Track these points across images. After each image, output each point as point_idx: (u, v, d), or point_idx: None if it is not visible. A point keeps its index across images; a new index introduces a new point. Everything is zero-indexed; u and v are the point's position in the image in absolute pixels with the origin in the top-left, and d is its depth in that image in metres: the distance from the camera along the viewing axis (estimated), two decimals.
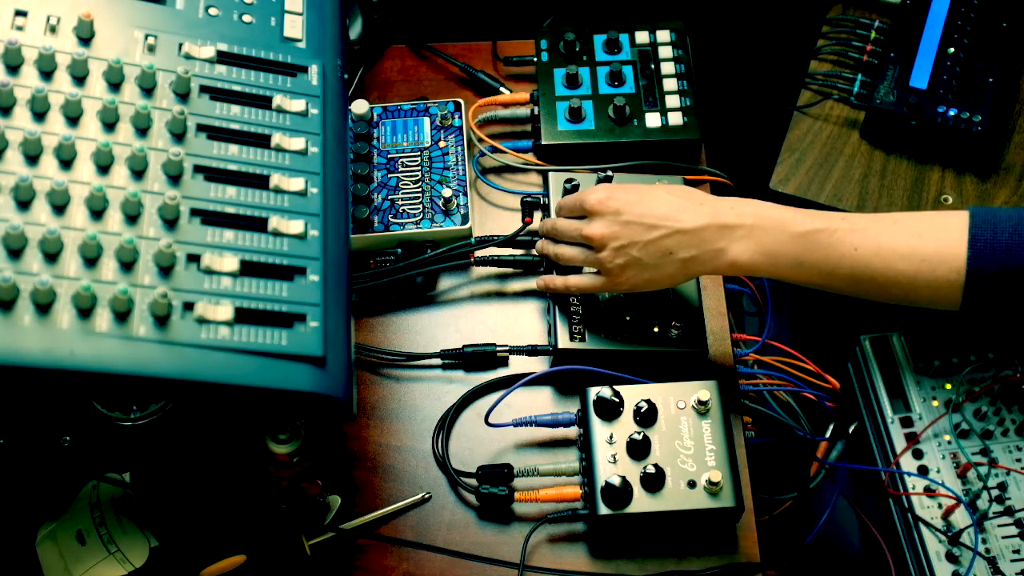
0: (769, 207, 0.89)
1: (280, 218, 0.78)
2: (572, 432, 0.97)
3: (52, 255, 0.70)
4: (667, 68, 1.12)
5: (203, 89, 0.81)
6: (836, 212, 0.88)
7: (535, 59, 1.14)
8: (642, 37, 1.14)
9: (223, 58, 0.83)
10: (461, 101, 1.13)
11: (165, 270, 0.73)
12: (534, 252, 1.03)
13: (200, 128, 0.79)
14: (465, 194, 1.06)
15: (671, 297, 0.99)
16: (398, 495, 0.96)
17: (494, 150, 1.11)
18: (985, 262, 0.80)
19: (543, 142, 1.09)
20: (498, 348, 1.01)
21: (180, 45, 0.82)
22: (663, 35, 1.14)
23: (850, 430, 1.21)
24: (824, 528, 1.09)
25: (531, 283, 1.06)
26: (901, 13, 1.26)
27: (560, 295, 0.99)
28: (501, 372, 1.01)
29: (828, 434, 1.14)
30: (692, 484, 0.88)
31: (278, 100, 0.83)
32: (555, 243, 0.97)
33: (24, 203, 0.71)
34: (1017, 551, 1.13)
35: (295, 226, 0.78)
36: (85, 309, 0.69)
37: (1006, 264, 0.80)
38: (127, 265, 0.72)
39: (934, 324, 1.26)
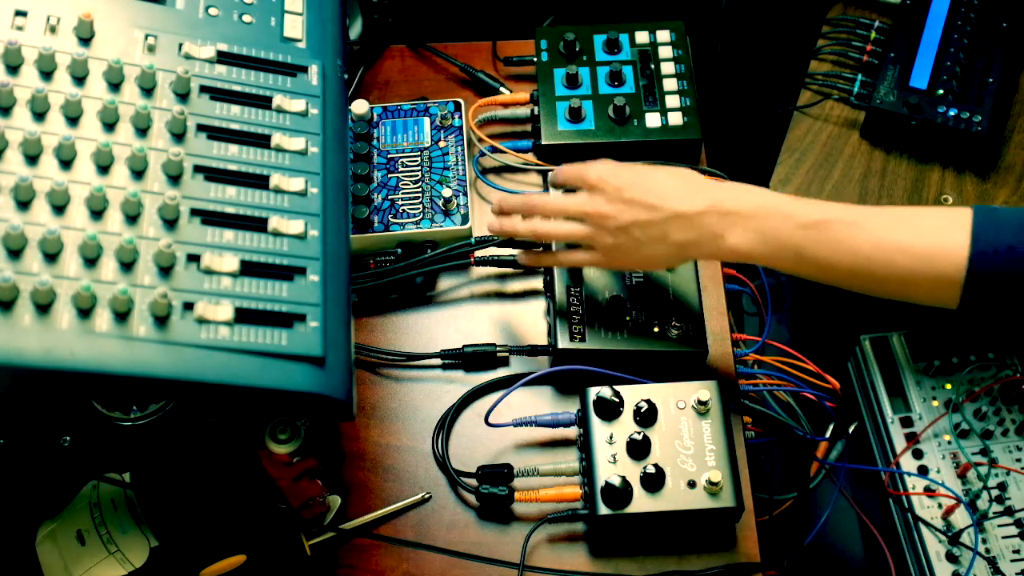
0: (771, 195, 0.88)
1: (280, 218, 0.78)
2: (572, 432, 0.97)
3: (52, 255, 0.70)
4: (667, 68, 1.12)
5: (203, 89, 0.81)
6: (838, 203, 0.87)
7: (535, 59, 1.14)
8: (642, 37, 1.14)
9: (223, 58, 0.83)
10: (461, 101, 1.13)
11: (165, 270, 0.73)
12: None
13: (200, 128, 0.79)
14: (465, 194, 1.06)
15: (671, 297, 0.99)
16: (398, 495, 0.96)
17: (494, 150, 1.11)
18: (987, 262, 0.80)
19: (543, 142, 1.09)
20: (498, 348, 1.01)
21: (180, 45, 0.82)
22: (663, 35, 1.14)
23: (850, 430, 1.21)
24: (824, 528, 1.09)
25: (531, 283, 1.06)
26: (901, 13, 1.26)
27: (558, 294, 0.99)
28: (501, 372, 1.01)
29: (828, 434, 1.14)
30: (692, 484, 0.88)
31: (278, 100, 0.83)
32: (543, 220, 0.95)
33: (24, 203, 0.71)
34: (1017, 551, 1.13)
35: (295, 226, 0.78)
36: (85, 309, 0.69)
37: (1007, 265, 0.79)
38: (127, 265, 0.72)
39: (934, 324, 1.26)
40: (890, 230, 0.84)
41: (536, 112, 1.11)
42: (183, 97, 0.80)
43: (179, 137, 0.78)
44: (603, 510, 0.88)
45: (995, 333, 1.23)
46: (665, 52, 1.13)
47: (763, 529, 0.94)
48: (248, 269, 0.76)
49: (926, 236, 0.82)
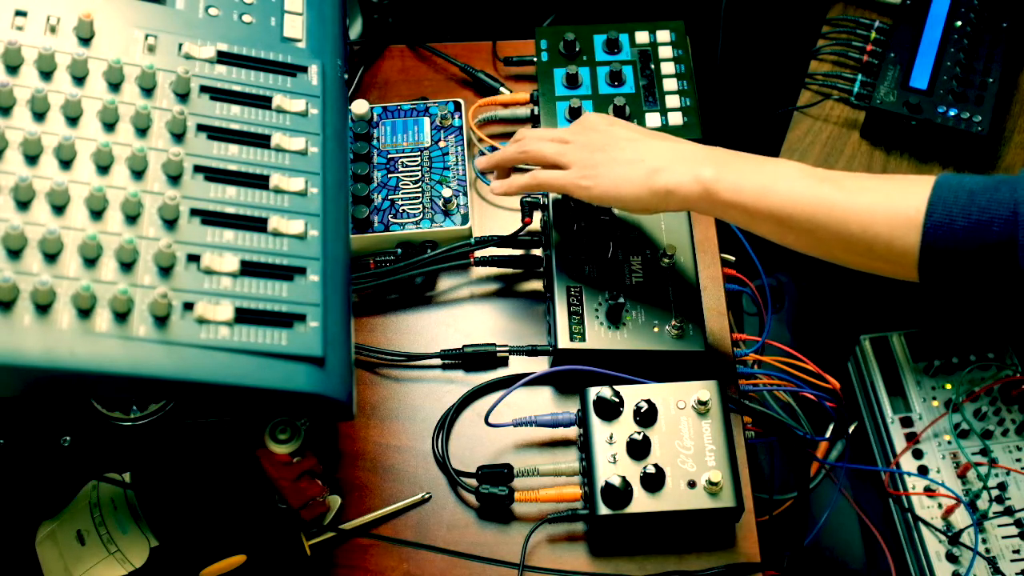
0: (732, 154, 0.89)
1: (280, 218, 0.78)
2: (572, 432, 0.97)
3: (52, 255, 0.70)
4: (667, 68, 1.12)
5: (203, 89, 0.81)
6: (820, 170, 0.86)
7: (535, 59, 1.14)
8: (642, 37, 1.14)
9: (223, 58, 0.83)
10: (461, 101, 1.13)
11: (165, 270, 0.73)
12: (534, 253, 1.02)
13: (200, 128, 0.79)
14: (465, 194, 1.06)
15: (671, 297, 0.99)
16: (398, 495, 0.96)
17: (494, 150, 1.11)
18: (941, 235, 0.77)
19: None
20: (498, 348, 1.01)
21: (180, 45, 0.82)
22: (663, 35, 1.14)
23: (850, 430, 1.21)
24: (824, 528, 1.09)
25: (531, 283, 1.06)
26: (901, 13, 1.26)
27: (558, 294, 0.98)
28: (501, 372, 1.01)
29: (828, 434, 1.14)
30: (692, 484, 0.88)
31: (278, 100, 0.83)
32: (531, 140, 0.97)
33: (24, 203, 0.71)
34: (1017, 551, 1.13)
35: (295, 226, 0.78)
36: (85, 309, 0.69)
37: (960, 242, 0.76)
38: (127, 265, 0.72)
39: (934, 324, 1.26)
40: (854, 192, 0.82)
41: (536, 112, 1.11)
42: (183, 97, 0.80)
43: (179, 137, 0.78)
44: (603, 510, 0.88)
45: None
46: (665, 52, 1.13)
47: (763, 529, 0.94)
48: (248, 269, 0.76)
49: (887, 202, 0.80)
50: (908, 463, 1.19)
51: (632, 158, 0.90)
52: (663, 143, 0.91)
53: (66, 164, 0.74)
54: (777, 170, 0.85)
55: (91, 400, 0.89)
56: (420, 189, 1.07)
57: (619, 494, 0.87)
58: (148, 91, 0.79)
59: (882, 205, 0.80)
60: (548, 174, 0.95)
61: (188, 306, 0.72)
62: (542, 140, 0.96)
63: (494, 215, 1.10)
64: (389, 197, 1.06)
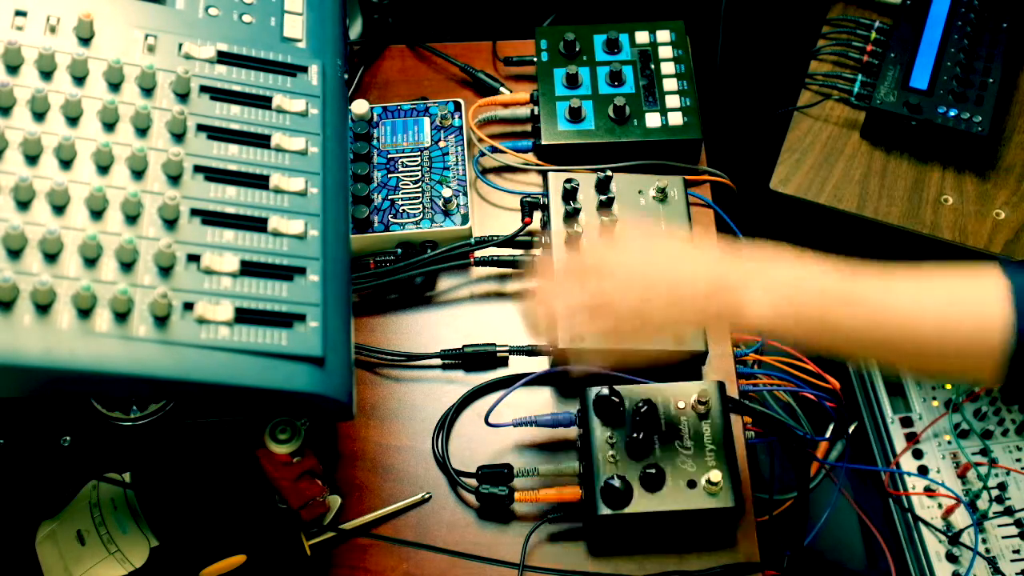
0: (787, 258, 0.79)
1: (280, 218, 0.78)
2: (572, 432, 0.97)
3: (52, 255, 0.70)
4: (667, 68, 1.12)
5: (203, 89, 0.81)
6: (862, 264, 0.78)
7: (535, 59, 1.14)
8: (642, 37, 1.14)
9: (223, 58, 0.83)
10: (461, 101, 1.13)
11: (165, 270, 0.73)
12: (534, 253, 1.03)
13: (200, 128, 0.79)
14: (465, 194, 1.06)
15: None
16: (398, 495, 0.96)
17: (494, 150, 1.11)
18: None
19: (543, 142, 1.09)
20: (498, 348, 1.01)
21: (180, 45, 0.82)
22: (663, 35, 1.14)
23: (850, 430, 1.21)
24: (824, 528, 1.09)
25: (531, 283, 1.06)
26: (901, 13, 1.26)
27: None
28: (501, 372, 1.01)
29: (828, 434, 1.14)
30: (692, 484, 0.88)
31: (278, 100, 0.83)
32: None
33: (24, 203, 0.71)
34: (1017, 551, 1.13)
35: (295, 226, 0.78)
36: (85, 309, 0.69)
37: None
38: (127, 265, 0.72)
39: None
40: (920, 297, 0.75)
41: (536, 112, 1.11)
42: (183, 97, 0.80)
43: (179, 137, 0.78)
44: (603, 510, 0.87)
45: None
46: (665, 52, 1.13)
47: (763, 529, 0.94)
48: (248, 269, 0.76)
49: (960, 305, 0.74)
50: (908, 463, 1.19)
51: (666, 320, 0.83)
52: (686, 295, 0.81)
53: (66, 164, 0.74)
54: (804, 272, 0.78)
55: (91, 400, 0.89)
56: (420, 189, 1.07)
57: (619, 494, 0.87)
58: (148, 91, 0.79)
59: (955, 308, 0.75)
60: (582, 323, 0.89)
61: (188, 306, 0.72)
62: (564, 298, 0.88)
63: (494, 215, 1.10)
64: (389, 197, 1.06)
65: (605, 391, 0.91)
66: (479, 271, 1.07)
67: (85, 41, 0.79)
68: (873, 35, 1.26)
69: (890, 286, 0.77)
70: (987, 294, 0.74)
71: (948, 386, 1.23)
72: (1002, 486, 1.16)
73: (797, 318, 0.77)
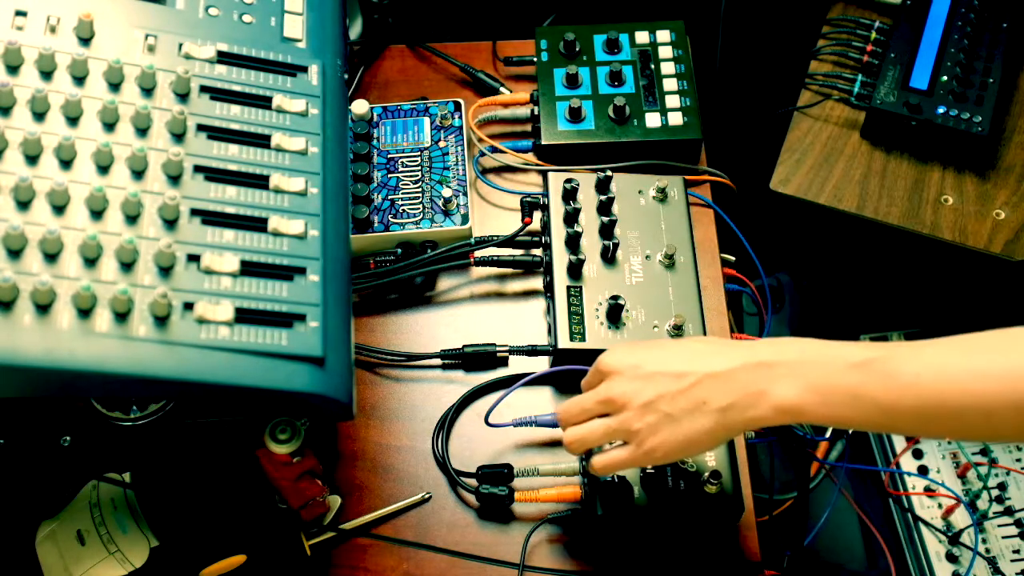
0: (809, 341, 0.76)
1: (280, 218, 0.78)
2: None
3: (52, 255, 0.70)
4: (667, 68, 1.12)
5: (203, 89, 0.81)
6: (881, 343, 0.75)
7: (535, 59, 1.14)
8: (642, 37, 1.14)
9: (223, 58, 0.83)
10: (461, 101, 1.13)
11: (165, 270, 0.73)
12: (534, 253, 1.03)
13: (200, 128, 0.79)
14: (465, 194, 1.06)
15: (671, 297, 0.99)
16: (398, 495, 0.96)
17: (494, 150, 1.11)
18: None
19: (543, 142, 1.09)
20: (498, 348, 1.01)
21: (180, 45, 0.82)
22: (663, 35, 1.14)
23: (850, 430, 1.21)
24: (824, 528, 1.09)
25: (531, 283, 1.06)
26: (901, 13, 1.26)
27: (558, 294, 0.98)
28: (501, 372, 1.01)
29: (828, 434, 1.14)
30: (692, 484, 0.88)
31: (278, 100, 0.83)
32: (576, 427, 0.84)
33: (24, 203, 0.71)
34: (1017, 551, 1.13)
35: (295, 226, 0.78)
36: (85, 309, 0.69)
37: None
38: (127, 265, 0.72)
39: (934, 324, 1.26)
40: (953, 354, 0.70)
41: (536, 112, 1.11)
42: (183, 97, 0.80)
43: (179, 137, 0.78)
44: (603, 510, 0.87)
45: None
46: (665, 52, 1.13)
47: (763, 529, 0.94)
48: (248, 269, 0.76)
49: (999, 355, 0.69)
50: (908, 463, 1.19)
51: (689, 406, 0.77)
52: (711, 373, 0.76)
53: (66, 164, 0.74)
54: (860, 372, 0.72)
55: (91, 400, 0.89)
56: (420, 189, 1.07)
57: (619, 494, 0.87)
58: (148, 91, 0.79)
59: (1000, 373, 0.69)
60: (609, 459, 0.83)
61: (188, 306, 0.72)
62: (587, 425, 0.83)
63: (494, 215, 1.10)
64: (389, 197, 1.06)
65: None
66: (479, 271, 1.07)
67: (85, 41, 0.79)
68: (873, 35, 1.26)
69: (915, 346, 0.72)
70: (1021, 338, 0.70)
71: None
72: (1002, 486, 1.16)
73: (823, 394, 0.73)
